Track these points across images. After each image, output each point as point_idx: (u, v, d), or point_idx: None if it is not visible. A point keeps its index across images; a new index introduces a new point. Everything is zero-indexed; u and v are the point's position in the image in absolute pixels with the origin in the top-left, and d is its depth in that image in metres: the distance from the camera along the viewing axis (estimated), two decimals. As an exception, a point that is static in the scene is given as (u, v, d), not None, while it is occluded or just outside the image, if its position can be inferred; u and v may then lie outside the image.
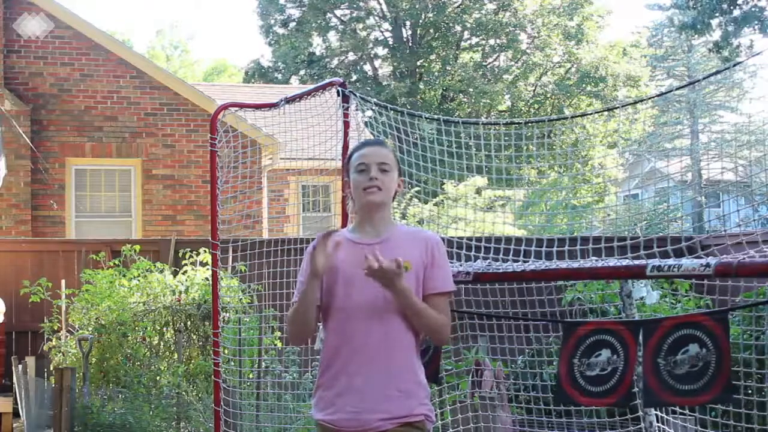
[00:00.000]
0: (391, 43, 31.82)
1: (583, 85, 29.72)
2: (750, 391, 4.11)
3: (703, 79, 4.82)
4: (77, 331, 7.47)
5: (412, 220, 9.41)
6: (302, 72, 31.65)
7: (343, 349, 2.90)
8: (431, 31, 30.89)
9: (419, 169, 4.70)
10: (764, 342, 4.51)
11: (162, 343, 7.50)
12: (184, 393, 6.68)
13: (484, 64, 31.08)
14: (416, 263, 2.93)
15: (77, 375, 6.75)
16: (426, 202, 9.37)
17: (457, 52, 31.19)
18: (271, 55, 32.43)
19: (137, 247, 8.25)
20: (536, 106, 30.96)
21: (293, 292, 3.06)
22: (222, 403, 4.71)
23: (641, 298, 5.50)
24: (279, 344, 7.04)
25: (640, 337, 3.30)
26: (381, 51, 32.67)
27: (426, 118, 4.70)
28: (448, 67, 30.03)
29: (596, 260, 3.78)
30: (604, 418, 5.15)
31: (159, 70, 13.48)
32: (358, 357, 2.87)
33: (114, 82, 12.71)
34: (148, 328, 7.34)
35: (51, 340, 7.83)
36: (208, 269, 7.26)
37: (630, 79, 29.53)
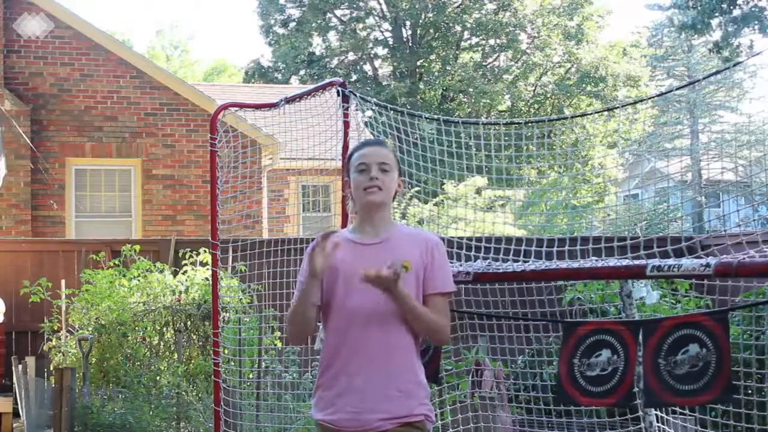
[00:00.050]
0: (391, 43, 31.82)
1: (583, 85, 29.72)
2: (750, 391, 4.11)
3: (703, 79, 4.81)
4: (77, 331, 7.47)
5: (412, 220, 9.41)
6: (302, 72, 31.65)
7: (343, 349, 2.90)
8: (431, 31, 30.89)
9: (419, 169, 4.70)
10: (764, 342, 4.51)
11: (162, 343, 7.50)
12: (184, 393, 6.68)
13: (484, 64, 31.09)
14: (416, 264, 2.93)
15: (77, 375, 6.74)
16: (426, 202, 9.37)
17: (457, 52, 31.19)
18: (271, 55, 32.44)
19: (137, 247, 8.25)
20: (536, 106, 30.96)
21: (293, 292, 3.06)
22: (222, 403, 4.71)
23: (641, 298, 5.49)
24: (279, 344, 7.04)
25: (640, 337, 3.31)
26: (381, 51, 32.67)
27: (426, 118, 4.70)
28: (448, 67, 30.04)
29: (596, 260, 3.78)
30: (604, 418, 5.15)
31: (159, 70, 13.48)
32: (358, 357, 2.87)
33: (114, 82, 12.71)
34: (148, 328, 7.34)
35: (51, 340, 7.83)
36: (208, 269, 7.26)
37: (630, 79, 29.53)
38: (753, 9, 17.75)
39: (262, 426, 5.74)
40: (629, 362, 3.32)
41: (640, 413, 4.22)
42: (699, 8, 17.86)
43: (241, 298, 7.05)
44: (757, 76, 29.64)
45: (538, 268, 3.69)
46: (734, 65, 14.55)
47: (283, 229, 14.30)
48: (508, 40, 30.24)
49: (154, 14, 69.20)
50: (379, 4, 31.54)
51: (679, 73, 30.10)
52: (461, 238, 4.43)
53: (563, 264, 3.76)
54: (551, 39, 30.25)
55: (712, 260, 3.19)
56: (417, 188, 5.15)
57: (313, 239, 2.93)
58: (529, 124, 4.47)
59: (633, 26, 64.01)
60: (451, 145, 4.66)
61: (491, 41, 31.01)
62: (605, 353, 3.37)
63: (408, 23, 31.30)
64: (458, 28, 30.82)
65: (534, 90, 31.32)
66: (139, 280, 7.63)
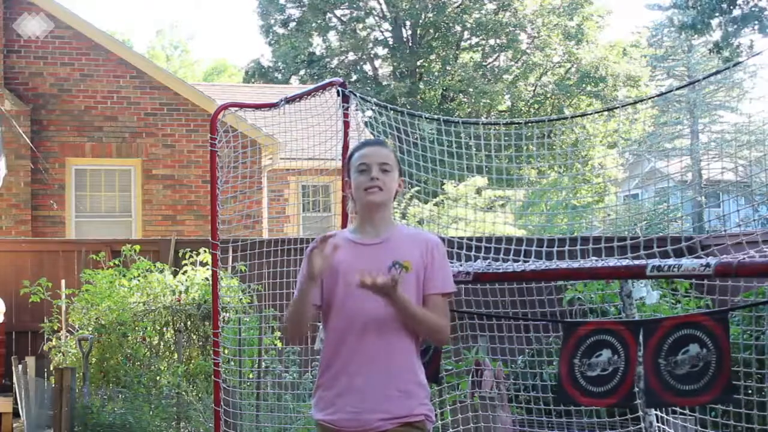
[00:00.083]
0: (391, 43, 31.82)
1: (583, 85, 29.73)
2: (750, 391, 4.11)
3: (703, 79, 4.81)
4: (77, 331, 7.47)
5: (412, 220, 9.41)
6: (302, 72, 31.65)
7: (344, 350, 2.90)
8: (431, 31, 30.90)
9: (419, 169, 4.70)
10: (764, 342, 4.51)
11: (162, 343, 7.50)
12: (184, 393, 6.68)
13: (484, 64, 31.09)
14: (416, 264, 2.93)
15: (77, 375, 6.74)
16: (426, 202, 9.37)
17: (457, 52, 31.19)
18: (271, 55, 32.44)
19: (137, 247, 8.25)
20: (536, 106, 30.96)
21: (293, 292, 3.06)
22: (222, 403, 4.71)
23: (641, 298, 5.49)
24: (279, 344, 7.04)
25: (641, 337, 3.30)
26: (381, 51, 32.68)
27: (426, 118, 4.70)
28: (448, 67, 30.04)
29: (596, 260, 3.78)
30: (604, 418, 5.15)
31: (159, 70, 13.49)
32: (358, 357, 2.87)
33: (114, 82, 12.71)
34: (148, 328, 7.34)
35: (51, 340, 7.83)
36: (208, 269, 7.25)
37: (630, 79, 29.54)
38: (753, 9, 17.75)
39: (262, 426, 5.74)
40: (630, 362, 3.32)
41: (640, 413, 4.22)
42: (699, 8, 17.87)
43: (241, 298, 7.05)
44: (757, 76, 29.65)
45: (538, 268, 3.69)
46: (734, 65, 14.55)
47: (283, 229, 14.30)
48: (508, 40, 30.24)
49: (154, 14, 69.25)
50: (379, 4, 31.54)
51: (679, 73, 30.10)
52: (461, 238, 4.43)
53: (563, 264, 3.76)
54: (551, 39, 30.25)
55: (712, 260, 3.19)
56: (417, 188, 5.15)
57: (313, 239, 2.93)
58: (529, 124, 4.47)
59: (633, 26, 64.05)
60: (451, 145, 4.66)
61: (491, 41, 31.02)
62: (606, 353, 3.37)
63: (408, 23, 31.30)
64: (458, 28, 30.83)
65: (534, 90, 31.33)
66: (139, 280, 7.62)
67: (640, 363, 3.35)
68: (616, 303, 6.16)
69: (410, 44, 31.25)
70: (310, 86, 5.32)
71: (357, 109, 4.98)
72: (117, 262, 8.09)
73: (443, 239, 3.30)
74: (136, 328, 7.28)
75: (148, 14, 68.95)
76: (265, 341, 6.63)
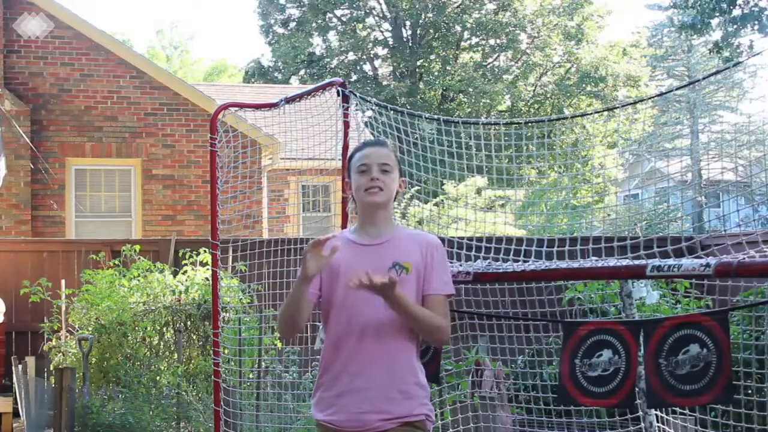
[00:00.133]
0: (391, 43, 31.83)
1: (583, 85, 29.74)
2: (750, 391, 4.11)
3: (703, 79, 4.80)
4: (77, 331, 7.47)
5: (412, 220, 9.41)
6: (302, 72, 31.67)
7: (344, 350, 2.90)
8: (431, 31, 30.90)
9: (419, 169, 4.70)
10: (764, 342, 4.51)
11: (162, 343, 7.50)
12: (184, 393, 6.68)
13: (484, 64, 31.09)
14: (417, 265, 2.93)
15: (77, 375, 6.74)
16: (426, 202, 9.37)
17: (457, 52, 31.20)
18: (271, 55, 32.45)
19: (137, 247, 8.25)
20: (536, 106, 30.98)
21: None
22: (222, 403, 4.71)
23: (641, 298, 5.49)
24: (279, 344, 7.04)
25: (641, 338, 3.30)
26: (381, 51, 32.69)
27: (426, 118, 4.70)
28: (448, 67, 30.04)
29: (596, 260, 3.77)
30: (604, 418, 5.15)
31: (159, 70, 13.49)
32: (359, 358, 2.87)
33: (114, 82, 12.71)
34: (148, 328, 7.34)
35: (51, 340, 7.83)
36: (208, 269, 7.26)
37: (630, 79, 29.55)
38: (753, 9, 17.76)
39: (262, 426, 5.73)
40: (631, 363, 3.32)
41: (640, 413, 4.22)
42: (699, 8, 17.86)
43: (241, 298, 7.06)
44: (757, 76, 29.66)
45: (538, 268, 3.69)
46: (734, 65, 14.56)
47: (283, 229, 14.31)
48: (508, 40, 30.25)
49: (154, 14, 69.30)
50: (379, 4, 31.54)
51: (679, 73, 30.07)
52: (461, 238, 4.43)
53: (563, 264, 3.75)
54: (551, 39, 30.27)
55: (712, 260, 3.19)
56: (417, 188, 5.15)
57: (313, 239, 2.92)
58: (529, 124, 4.46)
59: (633, 26, 64.13)
60: (451, 145, 4.66)
61: (491, 41, 31.03)
62: (606, 353, 3.37)
63: (408, 23, 31.31)
64: (458, 28, 30.84)
65: (534, 90, 31.33)
66: (139, 280, 7.63)
67: (640, 363, 3.35)
68: (616, 303, 6.16)
69: (410, 44, 31.26)
70: (310, 86, 5.31)
71: (357, 109, 4.97)
72: (117, 262, 8.09)
73: (443, 239, 3.29)
74: (136, 328, 7.28)
75: (148, 14, 69.05)
76: (265, 341, 6.63)
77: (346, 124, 4.64)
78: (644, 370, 3.31)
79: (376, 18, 32.19)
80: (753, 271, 3.14)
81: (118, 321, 7.22)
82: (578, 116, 8.01)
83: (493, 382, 5.49)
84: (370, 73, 32.81)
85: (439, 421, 4.87)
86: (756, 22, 17.95)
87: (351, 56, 32.53)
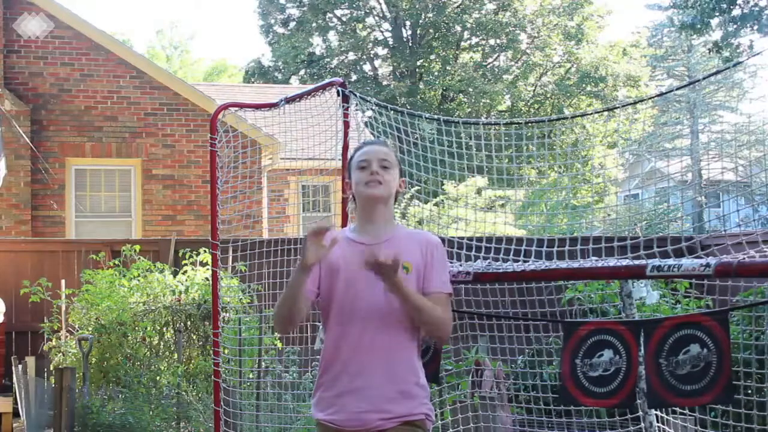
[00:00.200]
0: (391, 43, 31.83)
1: (583, 85, 29.74)
2: (750, 391, 4.11)
3: (703, 79, 4.79)
4: (77, 331, 7.47)
5: (412, 220, 9.41)
6: (302, 72, 31.67)
7: (344, 349, 2.89)
8: (431, 31, 30.90)
9: (419, 169, 4.70)
10: (764, 342, 4.51)
11: (162, 343, 7.50)
12: (184, 393, 6.68)
13: (484, 64, 31.10)
14: (417, 263, 2.93)
15: (77, 375, 6.74)
16: (426, 202, 9.37)
17: (457, 52, 31.20)
18: (271, 55, 32.45)
19: (137, 247, 8.25)
20: (536, 106, 30.98)
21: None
22: (222, 403, 4.71)
23: (641, 298, 5.49)
24: (279, 344, 7.04)
25: (641, 338, 3.30)
26: (381, 51, 32.69)
27: (426, 118, 4.69)
28: (448, 67, 30.05)
29: (596, 260, 3.77)
30: (604, 418, 5.15)
31: (159, 70, 13.49)
32: (359, 357, 2.87)
33: (114, 82, 12.71)
34: (148, 328, 7.34)
35: (51, 340, 7.84)
36: (208, 269, 7.26)
37: (630, 79, 29.55)
38: (753, 9, 17.76)
39: (262, 426, 5.73)
40: (632, 363, 3.32)
41: (640, 413, 4.22)
42: (699, 8, 17.87)
43: (241, 298, 7.06)
44: (757, 76, 29.64)
45: (538, 268, 3.69)
46: (734, 65, 14.55)
47: (283, 229, 14.31)
48: (508, 40, 30.25)
49: (154, 14, 69.28)
50: (379, 4, 31.54)
51: (679, 73, 30.07)
52: (461, 238, 4.42)
53: (563, 264, 3.75)
54: (551, 39, 30.27)
55: (712, 260, 3.19)
56: (417, 188, 5.15)
57: (312, 226, 2.89)
58: (529, 124, 4.46)
59: (633, 26, 64.14)
60: (451, 145, 4.66)
61: (491, 41, 31.03)
62: (607, 353, 3.37)
63: (408, 23, 31.31)
64: (458, 28, 30.84)
65: (534, 90, 31.34)
66: (139, 280, 7.63)
67: (641, 363, 3.35)
68: (616, 303, 6.16)
69: (410, 44, 31.26)
70: (310, 86, 5.31)
71: (357, 109, 4.97)
72: (117, 262, 8.09)
73: (443, 239, 3.29)
74: (136, 328, 7.28)
75: (148, 14, 69.02)
76: (265, 341, 6.63)
77: (346, 124, 4.64)
78: (645, 370, 3.31)
79: (376, 18, 32.19)
80: (753, 271, 3.14)
81: (118, 321, 7.22)
82: (578, 116, 8.01)
83: (493, 382, 5.49)
84: (370, 73, 32.82)
85: (439, 421, 4.87)
86: (756, 22, 17.95)
87: (351, 56, 32.53)
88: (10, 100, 12.06)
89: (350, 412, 2.85)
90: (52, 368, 7.56)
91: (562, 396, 3.53)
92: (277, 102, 4.79)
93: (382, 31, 32.41)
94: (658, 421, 4.37)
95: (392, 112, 4.78)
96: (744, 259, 3.22)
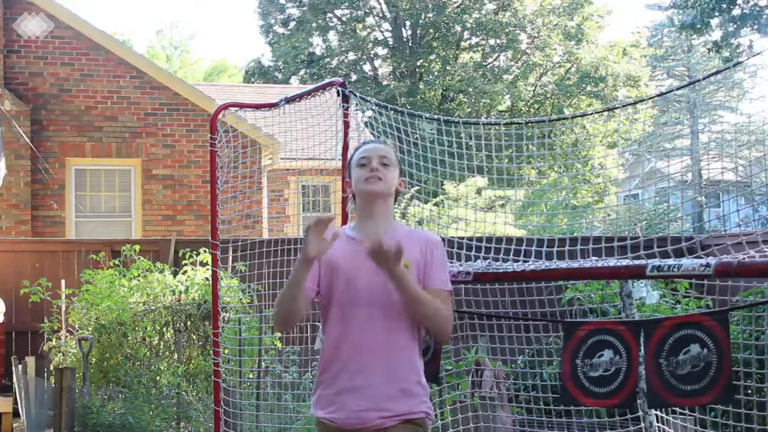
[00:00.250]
0: (391, 43, 31.83)
1: (583, 85, 29.74)
2: (750, 391, 4.11)
3: (703, 79, 4.79)
4: (77, 331, 7.47)
5: (412, 220, 9.42)
6: (302, 72, 31.67)
7: (344, 348, 2.89)
8: (431, 31, 30.90)
9: (419, 169, 4.70)
10: (764, 342, 4.51)
11: (162, 343, 7.50)
12: (184, 393, 6.68)
13: (484, 64, 31.10)
14: (417, 261, 2.93)
15: (77, 375, 6.74)
16: (426, 202, 9.37)
17: (457, 52, 31.20)
18: (271, 55, 32.45)
19: (137, 247, 8.25)
20: (536, 106, 30.98)
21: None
22: (222, 403, 4.71)
23: (641, 298, 5.49)
24: (279, 344, 7.04)
25: (641, 338, 3.30)
26: (381, 51, 32.69)
27: (426, 118, 4.69)
28: (448, 67, 30.05)
29: (596, 260, 3.77)
30: (604, 418, 5.15)
31: (159, 70, 13.49)
32: (359, 355, 2.87)
33: (114, 82, 12.71)
34: (148, 328, 7.34)
35: (51, 340, 7.84)
36: (208, 269, 7.26)
37: (630, 79, 29.55)
38: (753, 9, 17.76)
39: (262, 426, 5.73)
40: (632, 363, 3.32)
41: (640, 413, 4.22)
42: (699, 8, 17.87)
43: (241, 298, 7.06)
44: (757, 76, 29.63)
45: (538, 268, 3.69)
46: (734, 65, 14.54)
47: (283, 229, 14.31)
48: (508, 40, 30.25)
49: (154, 14, 69.29)
50: (379, 4, 31.54)
51: (679, 73, 30.07)
52: (461, 238, 4.43)
53: (563, 264, 3.75)
54: (551, 39, 30.27)
55: (712, 260, 3.19)
56: (417, 188, 5.14)
57: (314, 219, 2.88)
58: (529, 124, 4.46)
59: (633, 26, 64.14)
60: (451, 145, 4.66)
61: (491, 41, 31.03)
62: (607, 353, 3.37)
63: (408, 23, 31.31)
64: (458, 28, 30.84)
65: (534, 90, 31.34)
66: (139, 280, 7.63)
67: (641, 363, 3.35)
68: (616, 303, 6.16)
69: (410, 44, 31.26)
70: (310, 86, 5.31)
71: (357, 109, 4.97)
72: (117, 262, 8.09)
73: (443, 239, 3.29)
74: (136, 328, 7.28)
75: (148, 14, 69.02)
76: (265, 341, 6.63)
77: (346, 124, 4.64)
78: (645, 370, 3.31)
79: (376, 18, 32.19)
80: (753, 271, 3.14)
81: (118, 321, 7.22)
82: (578, 116, 8.00)
83: (493, 382, 5.49)
84: (370, 73, 32.82)
85: (439, 421, 4.87)
86: (756, 22, 17.95)
87: (351, 56, 32.53)
88: (10, 100, 12.06)
89: (350, 411, 2.85)
90: (52, 368, 7.56)
91: (562, 396, 3.53)
92: (277, 102, 4.78)
93: (382, 31, 32.41)
94: (658, 421, 4.37)
95: (392, 112, 4.78)
96: (744, 259, 3.22)
